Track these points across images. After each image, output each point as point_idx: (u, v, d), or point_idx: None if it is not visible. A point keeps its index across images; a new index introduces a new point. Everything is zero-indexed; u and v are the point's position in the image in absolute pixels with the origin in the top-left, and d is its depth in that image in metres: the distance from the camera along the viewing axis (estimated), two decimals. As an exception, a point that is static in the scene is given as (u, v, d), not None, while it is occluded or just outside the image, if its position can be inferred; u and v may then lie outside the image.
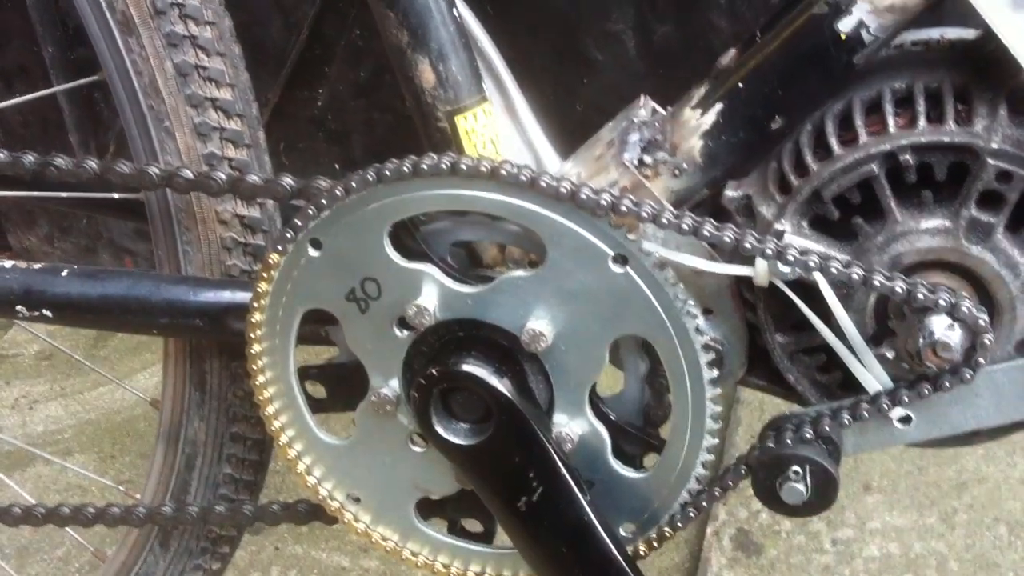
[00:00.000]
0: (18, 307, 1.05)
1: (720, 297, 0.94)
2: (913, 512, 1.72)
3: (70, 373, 2.20)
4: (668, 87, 1.81)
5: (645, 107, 1.00)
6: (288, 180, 0.96)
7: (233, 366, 1.13)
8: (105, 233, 2.27)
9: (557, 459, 0.92)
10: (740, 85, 0.91)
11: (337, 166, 2.13)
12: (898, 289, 0.82)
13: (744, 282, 0.92)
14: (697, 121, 0.93)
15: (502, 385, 0.92)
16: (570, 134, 1.10)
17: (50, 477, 1.94)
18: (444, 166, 0.87)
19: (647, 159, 0.94)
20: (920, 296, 0.82)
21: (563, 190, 0.85)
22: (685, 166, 0.93)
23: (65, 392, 2.17)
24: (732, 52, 0.94)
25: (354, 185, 0.89)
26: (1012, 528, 1.68)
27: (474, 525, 1.04)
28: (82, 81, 1.09)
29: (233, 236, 1.07)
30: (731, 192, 0.93)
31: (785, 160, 0.90)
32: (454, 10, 0.97)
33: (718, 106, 0.92)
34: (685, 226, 0.84)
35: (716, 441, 0.91)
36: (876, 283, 0.82)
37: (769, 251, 0.83)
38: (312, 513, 1.11)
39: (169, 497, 1.20)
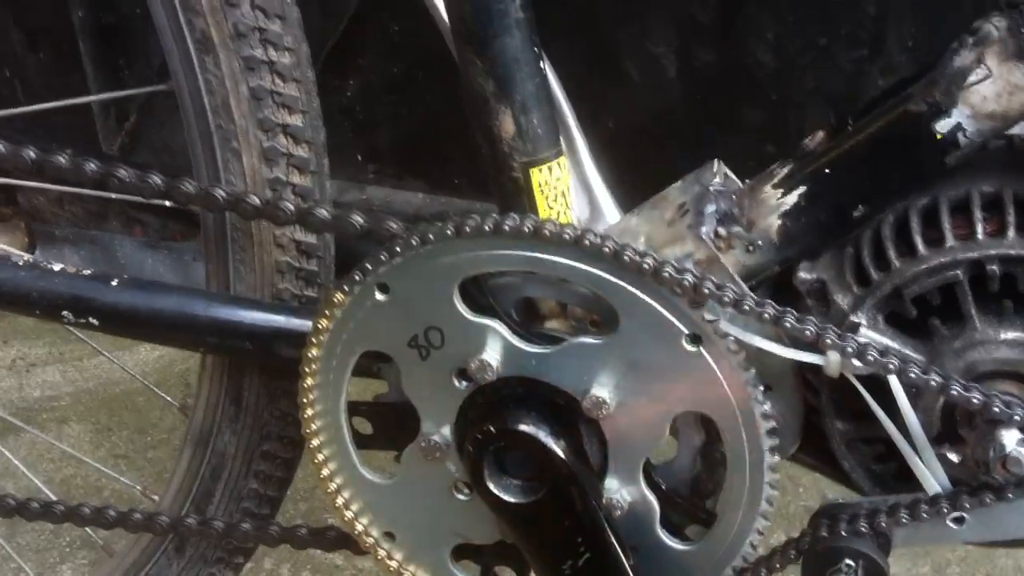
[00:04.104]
0: (64, 312, 1.03)
1: (782, 377, 0.94)
2: (907, 561, 1.73)
3: (69, 339, 2.16)
4: (704, 115, 1.84)
5: (718, 173, 0.99)
6: (358, 218, 0.94)
7: (272, 386, 1.12)
8: (117, 201, 2.24)
9: (607, 528, 0.92)
10: (827, 170, 0.90)
11: (360, 157, 2.12)
12: (974, 400, 0.82)
13: (807, 366, 0.92)
14: (778, 200, 0.92)
15: (559, 448, 0.91)
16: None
17: (44, 445, 1.92)
18: (526, 229, 0.86)
19: (721, 231, 0.94)
20: (995, 409, 0.82)
21: (646, 266, 0.85)
22: (760, 243, 0.93)
23: (63, 358, 2.14)
24: (820, 135, 0.93)
25: (431, 236, 0.88)
26: (1003, 585, 1.70)
27: (507, 573, 1.04)
28: (149, 89, 1.07)
29: (288, 260, 1.06)
30: (804, 274, 0.93)
31: (864, 250, 0.90)
32: (541, 63, 0.96)
33: (801, 188, 0.91)
34: (767, 315, 0.84)
35: (768, 523, 0.91)
36: (952, 392, 0.83)
37: (850, 349, 0.83)
38: (341, 541, 1.10)
39: (190, 503, 1.20)
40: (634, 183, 1.12)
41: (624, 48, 1.85)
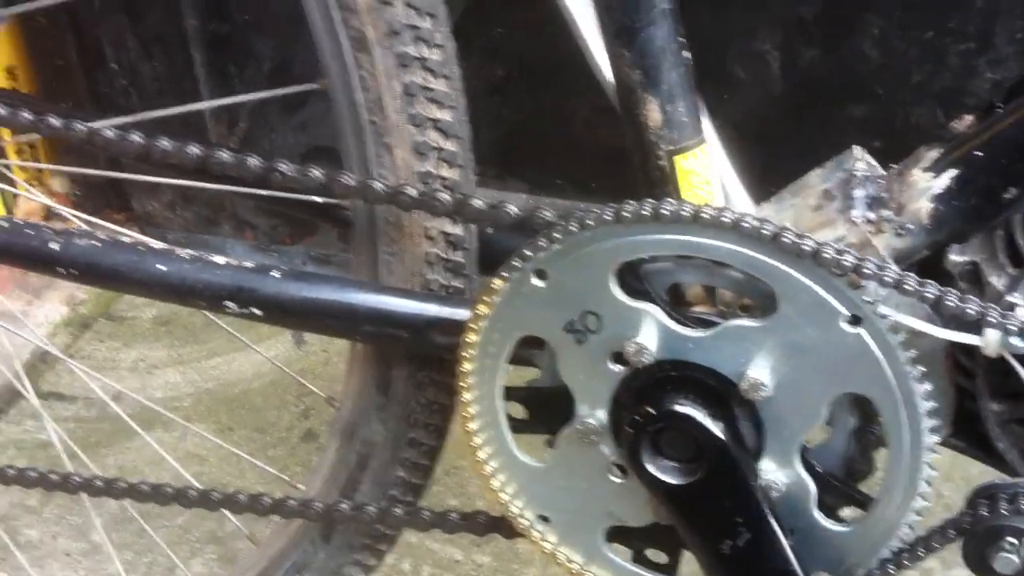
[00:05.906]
0: (227, 303, 1.06)
1: (934, 360, 0.95)
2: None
3: (187, 340, 2.24)
4: (810, 111, 1.84)
5: (861, 159, 1.00)
6: (513, 208, 0.97)
7: (419, 375, 1.15)
8: (228, 205, 2.31)
9: (765, 507, 0.94)
10: (977, 153, 0.91)
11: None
12: None
13: (961, 348, 0.93)
14: (928, 183, 0.93)
15: (718, 429, 0.93)
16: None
17: (169, 444, 1.98)
18: (686, 213, 0.88)
19: (871, 216, 0.95)
20: None
21: (806, 248, 0.86)
22: (910, 226, 0.94)
23: (182, 359, 2.20)
24: (969, 118, 0.94)
25: (590, 223, 0.91)
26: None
27: (658, 556, 1.06)
28: (299, 88, 1.10)
29: (437, 252, 1.09)
30: (956, 257, 0.94)
31: (1018, 232, 0.91)
32: (684, 52, 0.98)
33: (952, 171, 0.92)
34: (929, 295, 0.85)
35: (927, 504, 0.93)
36: (1117, 368, 0.83)
37: (1012, 327, 0.84)
38: (491, 525, 1.13)
39: (338, 493, 1.23)
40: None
41: (729, 47, 1.87)
